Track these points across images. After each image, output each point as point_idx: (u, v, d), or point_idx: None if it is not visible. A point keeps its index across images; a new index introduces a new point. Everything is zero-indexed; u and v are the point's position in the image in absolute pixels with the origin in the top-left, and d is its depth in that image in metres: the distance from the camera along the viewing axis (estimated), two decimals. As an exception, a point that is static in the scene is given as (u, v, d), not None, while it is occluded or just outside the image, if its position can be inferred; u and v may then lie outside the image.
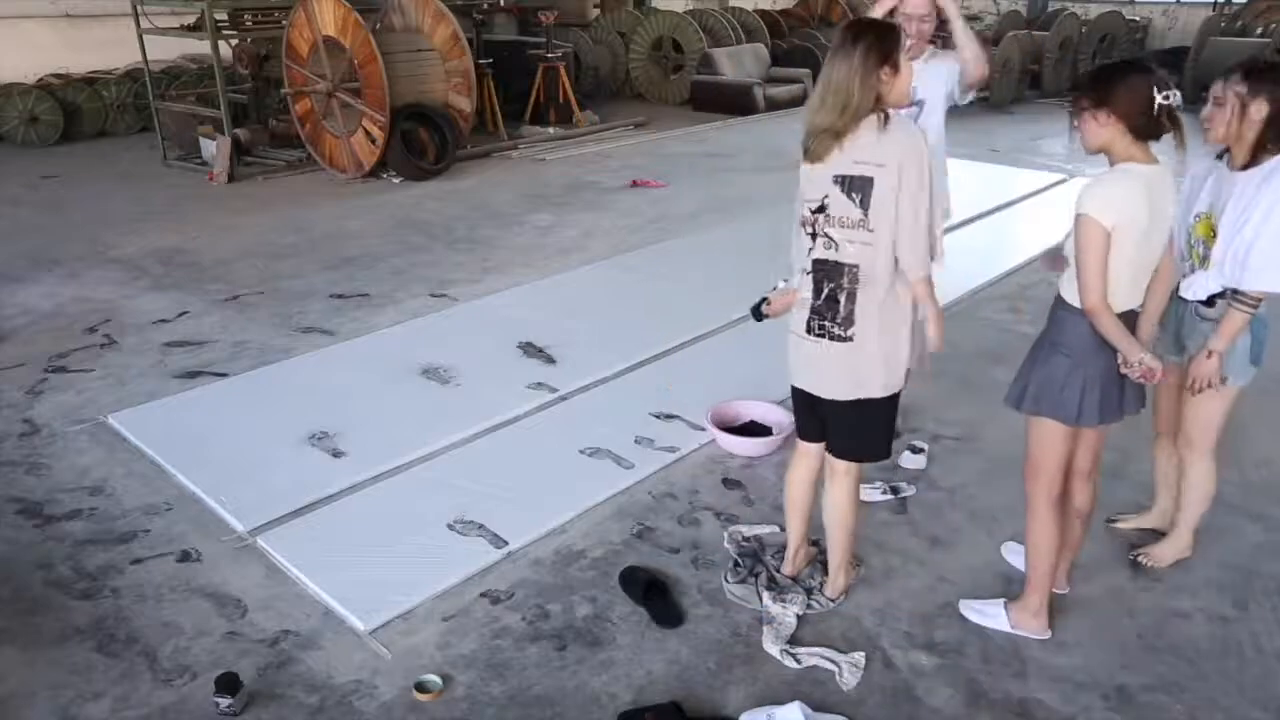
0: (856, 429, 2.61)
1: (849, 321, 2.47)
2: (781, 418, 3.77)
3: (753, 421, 3.87)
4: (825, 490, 2.74)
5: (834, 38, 2.39)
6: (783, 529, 3.16)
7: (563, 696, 2.48)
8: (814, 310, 2.51)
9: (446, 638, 2.70)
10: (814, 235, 2.48)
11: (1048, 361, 2.49)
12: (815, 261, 2.49)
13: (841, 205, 2.41)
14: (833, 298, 2.47)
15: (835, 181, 2.40)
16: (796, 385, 2.67)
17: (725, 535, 3.16)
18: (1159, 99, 2.23)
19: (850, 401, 2.55)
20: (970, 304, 5.26)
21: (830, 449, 2.68)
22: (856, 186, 2.37)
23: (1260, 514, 3.31)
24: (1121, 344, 2.37)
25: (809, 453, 2.77)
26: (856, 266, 2.43)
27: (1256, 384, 4.36)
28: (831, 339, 2.50)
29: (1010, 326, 4.94)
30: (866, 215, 2.38)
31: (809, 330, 2.53)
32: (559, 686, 2.52)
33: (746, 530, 3.18)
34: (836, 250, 2.44)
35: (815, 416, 2.68)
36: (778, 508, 3.30)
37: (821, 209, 2.44)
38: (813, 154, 2.42)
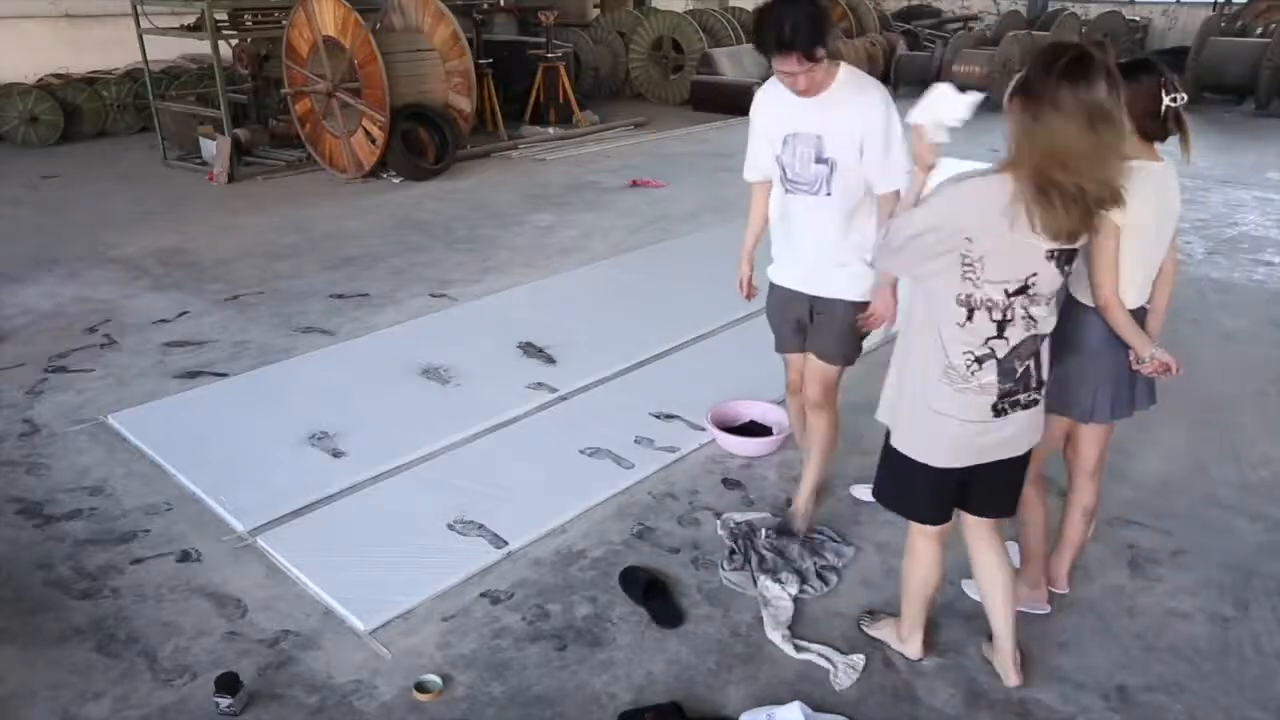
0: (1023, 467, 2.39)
1: (1042, 382, 2.23)
2: (781, 418, 3.77)
3: (752, 421, 3.87)
4: (984, 560, 2.45)
5: (1067, 63, 1.89)
6: (775, 514, 3.17)
7: (563, 696, 2.48)
8: (1003, 394, 2.16)
9: (446, 638, 2.70)
10: (1002, 322, 2.09)
11: (1061, 361, 2.48)
12: (1013, 348, 2.12)
13: (1049, 280, 2.07)
14: (1028, 372, 2.17)
15: (1049, 257, 2.04)
16: (953, 465, 2.26)
17: (718, 523, 3.17)
18: (1167, 101, 2.24)
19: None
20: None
21: (997, 512, 2.41)
22: (1068, 257, 2.08)
23: (1260, 514, 3.30)
24: (1134, 339, 2.37)
25: (945, 533, 2.44)
26: (1050, 331, 2.20)
27: (1255, 386, 4.37)
28: (1024, 407, 2.20)
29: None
30: (1067, 280, 2.16)
31: (997, 413, 2.17)
32: (559, 686, 2.52)
33: (739, 516, 3.20)
34: (1036, 325, 2.12)
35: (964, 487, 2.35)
36: (777, 507, 3.31)
37: (1023, 289, 2.06)
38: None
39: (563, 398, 4.14)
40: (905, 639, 2.60)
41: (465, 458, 3.65)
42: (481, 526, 3.17)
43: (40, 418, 3.97)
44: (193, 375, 4.36)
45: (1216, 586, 2.92)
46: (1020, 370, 2.15)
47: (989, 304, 2.08)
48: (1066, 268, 2.10)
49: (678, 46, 12.69)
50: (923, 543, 2.44)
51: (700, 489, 3.46)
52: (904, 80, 13.59)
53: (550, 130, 10.38)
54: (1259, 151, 9.74)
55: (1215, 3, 14.40)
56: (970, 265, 2.05)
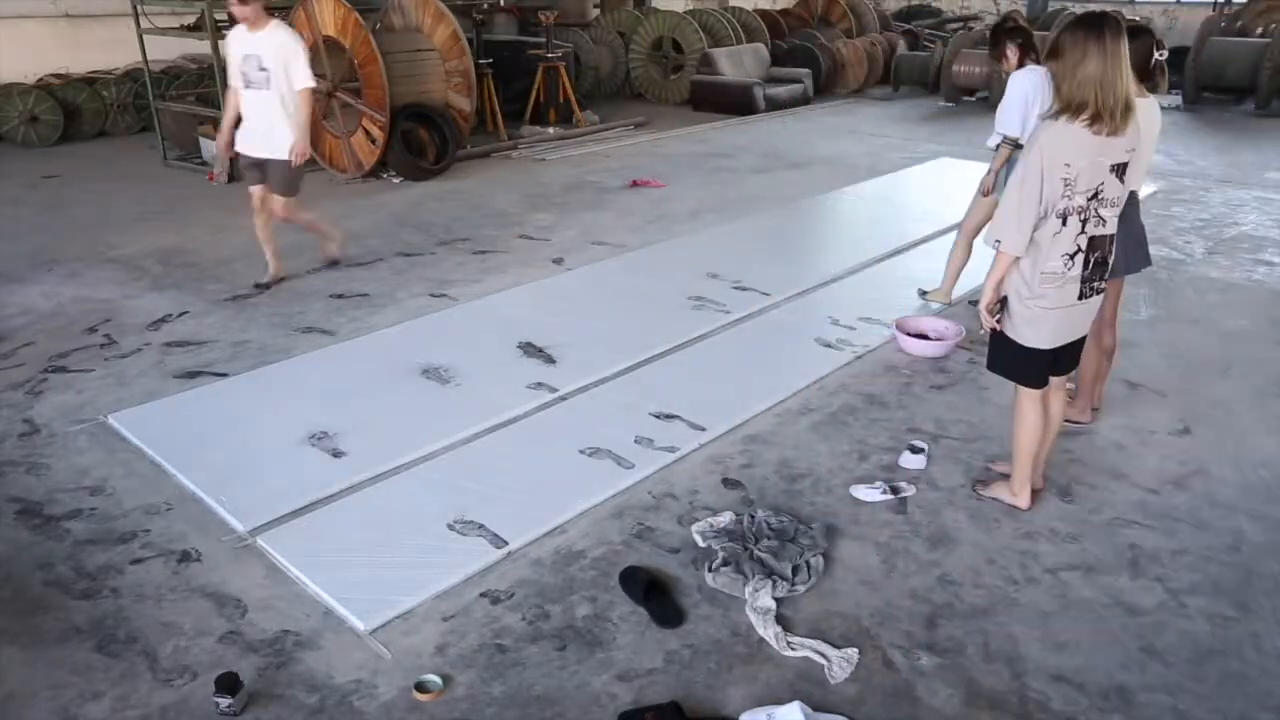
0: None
1: (1107, 269, 3.00)
2: (950, 331, 4.63)
3: (924, 334, 4.69)
4: (1055, 401, 3.25)
5: (1093, 25, 2.75)
6: (737, 515, 3.19)
7: (563, 696, 2.48)
8: (1085, 280, 2.93)
9: (446, 638, 2.70)
10: (1084, 220, 2.84)
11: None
12: (1090, 240, 2.88)
13: (1114, 188, 2.86)
14: (1101, 262, 2.95)
15: (1113, 170, 2.82)
16: (1050, 347, 3.04)
17: (693, 531, 3.15)
18: (1157, 55, 3.35)
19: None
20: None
21: (1066, 370, 3.24)
22: (1123, 170, 2.86)
23: (1260, 514, 3.31)
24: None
25: (1046, 394, 3.19)
26: (1115, 232, 2.96)
27: (1254, 385, 4.36)
28: (1097, 293, 3.01)
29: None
30: (1124, 188, 2.92)
31: (1082, 297, 2.96)
32: (559, 686, 2.52)
33: (713, 520, 3.18)
34: (1105, 226, 2.90)
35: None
36: (777, 508, 3.31)
37: (1096, 195, 2.83)
38: (1118, 125, 2.75)
39: (563, 398, 4.14)
40: (1017, 493, 3.28)
41: (465, 457, 3.65)
42: (481, 526, 3.17)
43: (40, 418, 3.97)
44: (193, 375, 4.36)
45: (1216, 586, 2.93)
46: (1093, 261, 2.92)
47: (1068, 210, 2.82)
48: (1123, 178, 2.85)
49: (678, 46, 12.69)
50: (1029, 405, 3.16)
51: (700, 489, 3.46)
52: (904, 80, 13.61)
53: (550, 130, 10.38)
54: (1259, 151, 9.75)
55: (1215, 3, 14.40)
56: (1068, 183, 2.79)
